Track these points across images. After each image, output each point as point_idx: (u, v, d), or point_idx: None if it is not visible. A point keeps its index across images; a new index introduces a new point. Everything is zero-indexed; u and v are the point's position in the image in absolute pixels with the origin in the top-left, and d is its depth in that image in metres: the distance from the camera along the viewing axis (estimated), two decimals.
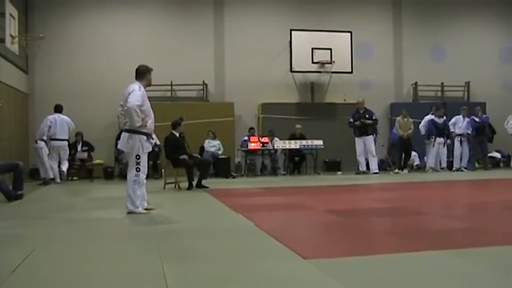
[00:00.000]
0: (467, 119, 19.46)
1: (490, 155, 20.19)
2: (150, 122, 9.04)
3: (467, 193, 12.68)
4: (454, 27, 22.78)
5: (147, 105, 9.05)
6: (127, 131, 8.96)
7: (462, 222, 7.81)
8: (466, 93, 22.58)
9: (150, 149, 9.19)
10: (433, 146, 19.07)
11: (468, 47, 22.58)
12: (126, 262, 5.37)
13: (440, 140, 19.12)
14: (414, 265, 5.03)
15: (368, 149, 18.45)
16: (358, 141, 18.45)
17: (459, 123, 19.43)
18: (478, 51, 22.57)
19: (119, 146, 9.43)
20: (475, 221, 7.99)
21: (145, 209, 9.07)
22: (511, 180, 15.30)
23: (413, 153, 19.78)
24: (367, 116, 18.51)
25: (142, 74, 9.32)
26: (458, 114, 19.60)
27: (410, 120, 18.93)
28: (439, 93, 22.39)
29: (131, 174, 8.94)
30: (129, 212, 8.88)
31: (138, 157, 8.90)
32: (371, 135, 18.55)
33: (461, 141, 19.45)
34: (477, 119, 19.60)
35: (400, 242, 6.27)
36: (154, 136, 9.35)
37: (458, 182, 15.12)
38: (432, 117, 19.23)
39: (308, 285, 4.46)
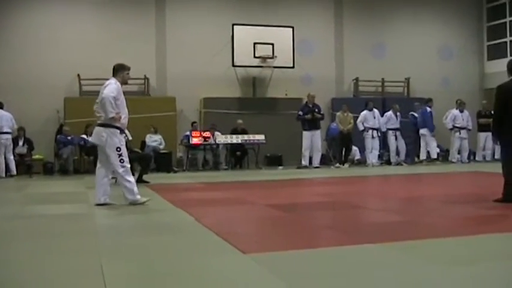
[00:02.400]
0: (399, 114, 19.73)
1: (428, 149, 20.49)
2: (124, 118, 9.07)
3: (405, 187, 12.87)
4: (394, 24, 23.12)
5: (122, 100, 9.09)
6: (101, 125, 9.05)
7: (400, 216, 7.94)
8: (405, 89, 22.94)
9: (124, 143, 9.16)
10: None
11: (408, 44, 22.94)
12: (64, 259, 5.29)
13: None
14: (353, 258, 5.09)
15: (314, 143, 18.57)
16: (307, 135, 18.52)
17: (392, 120, 19.69)
18: (417, 48, 22.95)
19: (91, 139, 9.53)
20: (412, 214, 8.13)
21: (101, 204, 9.14)
22: (448, 174, 15.60)
23: (354, 147, 19.99)
24: (316, 110, 18.63)
25: (116, 71, 9.39)
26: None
27: (351, 115, 19.13)
28: (380, 89, 22.69)
29: (117, 167, 8.98)
30: (131, 203, 8.99)
31: (118, 149, 8.96)
32: (319, 130, 18.70)
33: (396, 137, 19.73)
34: (416, 115, 19.90)
35: (339, 236, 6.34)
36: (127, 132, 9.31)
37: (398, 176, 15.34)
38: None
39: (246, 280, 4.48)
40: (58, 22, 19.63)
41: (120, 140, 9.01)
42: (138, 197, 9.08)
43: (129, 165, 9.09)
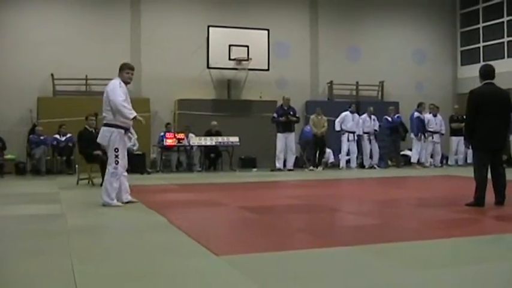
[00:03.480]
0: (373, 117, 19.85)
1: (402, 153, 20.63)
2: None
3: (379, 190, 12.93)
4: (369, 28, 23.21)
5: (128, 100, 9.20)
6: (106, 125, 9.17)
7: (373, 219, 7.98)
8: (380, 92, 23.04)
9: (129, 144, 9.22)
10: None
11: (383, 48, 23.05)
12: (35, 260, 5.25)
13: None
14: (325, 261, 5.11)
15: (288, 146, 18.59)
16: (281, 138, 18.50)
17: (366, 123, 19.77)
18: (392, 52, 23.08)
19: (98, 140, 9.54)
20: (385, 217, 8.17)
21: (128, 202, 9.29)
22: (421, 178, 15.70)
23: (328, 150, 20.04)
24: (291, 112, 18.64)
25: (119, 70, 9.49)
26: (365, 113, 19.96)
27: (324, 118, 19.16)
28: (354, 92, 22.76)
29: (110, 166, 9.10)
30: (104, 204, 9.01)
31: (116, 150, 9.08)
32: (293, 133, 18.73)
33: (370, 140, 19.83)
34: (390, 119, 20.02)
35: (313, 239, 6.35)
36: (132, 131, 9.32)
37: (371, 180, 15.41)
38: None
39: (219, 282, 4.48)
40: (32, 21, 19.43)
41: (123, 141, 9.12)
42: (114, 201, 9.09)
43: (121, 170, 9.16)
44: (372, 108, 19.86)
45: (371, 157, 19.89)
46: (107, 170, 9.20)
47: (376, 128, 19.89)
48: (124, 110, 8.94)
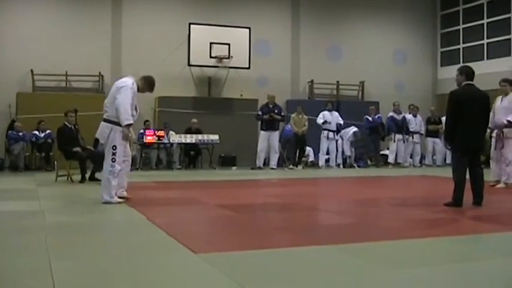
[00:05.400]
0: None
1: (382, 152, 20.73)
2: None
3: (358, 190, 12.96)
4: (351, 28, 23.28)
5: (135, 103, 9.15)
6: (105, 120, 9.13)
7: (352, 218, 8.01)
8: (360, 92, 23.12)
9: (127, 142, 9.22)
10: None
11: (364, 48, 23.13)
12: (12, 257, 5.22)
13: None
14: (304, 259, 5.13)
15: (272, 144, 18.56)
16: (264, 136, 18.44)
17: (351, 136, 19.84)
18: (373, 52, 23.16)
19: (96, 135, 9.56)
20: (364, 216, 8.21)
21: (122, 197, 9.17)
22: (400, 178, 15.77)
23: (309, 149, 20.08)
24: (276, 111, 18.63)
25: (144, 79, 9.51)
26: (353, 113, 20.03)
27: (305, 117, 19.17)
28: (335, 92, 22.81)
29: (107, 164, 9.00)
30: (105, 202, 8.91)
31: (114, 147, 8.98)
32: (277, 131, 18.72)
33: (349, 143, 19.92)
34: (370, 118, 20.10)
35: (292, 237, 6.37)
36: (131, 130, 9.22)
37: (350, 179, 15.47)
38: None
39: (197, 280, 4.48)
40: (11, 17, 19.28)
41: (119, 139, 9.01)
42: (114, 198, 9.01)
43: (119, 168, 9.05)
44: (359, 134, 19.91)
45: (349, 156, 19.99)
46: (104, 168, 9.09)
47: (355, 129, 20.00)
48: (123, 114, 8.81)
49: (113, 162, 8.97)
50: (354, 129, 19.99)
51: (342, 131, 19.83)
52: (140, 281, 4.43)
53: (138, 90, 9.34)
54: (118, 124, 8.96)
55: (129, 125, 8.94)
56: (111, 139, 9.00)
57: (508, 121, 11.53)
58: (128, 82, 9.11)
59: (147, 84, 9.50)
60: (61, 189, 12.03)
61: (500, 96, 11.86)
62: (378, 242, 5.97)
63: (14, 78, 18.86)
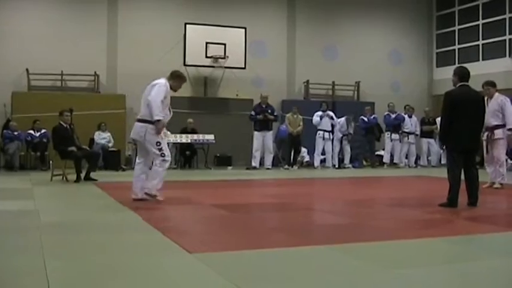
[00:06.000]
0: (352, 124, 19.95)
1: (377, 153, 20.75)
2: (164, 117, 9.15)
3: (353, 190, 12.98)
4: (346, 28, 23.28)
5: (167, 103, 9.21)
6: (139, 120, 9.20)
7: (347, 218, 8.02)
8: (355, 92, 23.14)
9: (163, 138, 9.32)
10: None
11: (360, 48, 23.14)
12: (6, 256, 5.21)
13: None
14: (300, 259, 5.13)
15: (266, 144, 18.56)
16: (258, 136, 18.45)
17: (343, 128, 19.76)
18: (369, 52, 23.17)
19: (131, 135, 9.60)
20: (359, 217, 8.21)
21: (138, 199, 9.27)
22: (395, 178, 15.79)
23: (304, 149, 20.08)
24: (269, 111, 18.62)
25: (173, 77, 9.53)
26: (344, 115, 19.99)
27: (300, 117, 19.17)
28: (330, 92, 22.81)
29: (157, 161, 9.11)
30: (147, 193, 9.12)
31: (158, 143, 9.09)
32: (271, 131, 18.71)
33: (341, 140, 19.86)
34: (366, 119, 20.11)
35: (287, 237, 6.37)
36: (165, 129, 9.26)
37: (346, 179, 15.47)
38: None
39: (192, 280, 4.47)
40: (6, 16, 19.25)
41: (159, 135, 9.12)
42: (158, 193, 9.17)
43: (169, 160, 9.27)
44: (352, 117, 19.86)
45: (343, 158, 19.97)
46: (153, 166, 9.17)
47: (351, 131, 19.93)
48: (155, 109, 8.86)
49: (163, 156, 9.09)
50: (344, 117, 19.87)
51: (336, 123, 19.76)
52: (135, 281, 4.42)
53: (171, 89, 9.38)
54: (151, 123, 9.04)
55: (158, 121, 8.96)
56: (150, 138, 9.07)
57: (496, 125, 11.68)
58: (161, 81, 9.21)
59: (174, 77, 9.53)
60: (56, 188, 12.01)
61: (486, 98, 11.87)
62: (374, 242, 5.97)
63: (9, 77, 18.82)
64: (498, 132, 11.71)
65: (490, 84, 11.92)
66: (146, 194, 9.10)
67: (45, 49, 19.10)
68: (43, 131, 17.42)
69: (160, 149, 9.08)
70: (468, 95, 8.70)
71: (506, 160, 12.83)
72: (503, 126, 11.66)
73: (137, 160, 9.59)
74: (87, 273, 4.61)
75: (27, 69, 18.92)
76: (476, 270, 4.85)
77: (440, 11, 24.57)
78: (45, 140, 17.31)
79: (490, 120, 11.55)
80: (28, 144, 17.61)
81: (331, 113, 19.55)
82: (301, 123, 19.06)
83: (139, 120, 9.22)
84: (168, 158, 9.20)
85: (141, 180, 9.35)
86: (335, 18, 23.07)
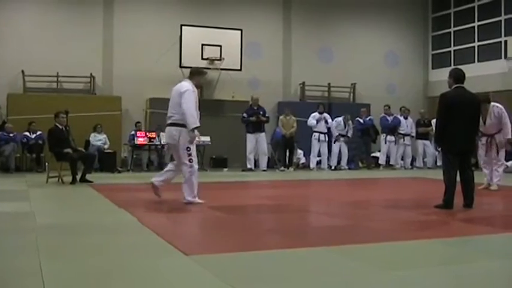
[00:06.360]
0: (350, 123, 19.95)
1: (373, 155, 20.78)
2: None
3: (349, 191, 12.99)
4: (342, 30, 23.32)
5: (197, 105, 9.28)
6: (172, 124, 9.26)
7: (343, 220, 8.01)
8: (351, 94, 23.18)
9: (198, 140, 9.68)
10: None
11: (355, 50, 23.19)
12: (2, 258, 5.20)
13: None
14: (296, 261, 5.13)
15: (260, 146, 18.54)
16: (251, 138, 18.43)
17: (339, 127, 19.77)
18: (364, 54, 23.22)
19: (166, 140, 9.81)
20: (355, 218, 8.21)
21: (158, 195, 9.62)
22: (390, 180, 15.81)
23: (300, 151, 20.09)
24: (261, 112, 18.62)
25: (193, 75, 9.66)
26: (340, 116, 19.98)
27: (294, 118, 19.16)
28: (326, 94, 22.84)
29: (185, 166, 9.17)
30: (188, 203, 9.16)
31: (188, 149, 9.17)
32: (263, 133, 18.69)
33: (336, 140, 19.88)
34: (362, 121, 20.14)
35: (283, 239, 6.37)
36: (196, 132, 9.29)
37: (342, 181, 15.48)
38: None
39: (188, 281, 4.47)
40: (3, 17, 19.24)
41: (191, 139, 9.17)
42: (196, 199, 9.26)
43: (197, 166, 9.33)
44: (349, 116, 19.86)
45: (340, 159, 19.96)
46: (183, 170, 9.24)
47: (350, 134, 19.93)
48: (190, 119, 8.97)
49: (191, 162, 9.17)
50: (342, 116, 19.88)
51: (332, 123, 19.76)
52: (131, 282, 4.42)
53: (196, 87, 9.48)
54: (185, 126, 9.11)
55: (195, 128, 9.06)
56: (182, 142, 9.14)
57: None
58: (188, 86, 9.26)
59: (194, 75, 9.66)
60: (52, 190, 12.00)
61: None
62: (370, 243, 5.97)
63: (4, 79, 18.82)
64: (499, 136, 11.81)
65: (485, 101, 11.78)
66: (187, 203, 9.18)
67: (41, 51, 19.09)
68: (39, 132, 17.40)
69: (189, 154, 9.16)
70: (463, 97, 8.71)
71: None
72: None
73: (169, 165, 9.94)
74: (83, 275, 4.60)
75: (22, 71, 18.90)
76: (472, 272, 4.85)
77: (436, 13, 24.63)
78: (40, 141, 17.30)
79: (490, 129, 11.69)
80: (24, 146, 17.59)
81: (327, 116, 19.58)
82: (294, 125, 19.06)
83: (173, 124, 9.28)
84: (196, 164, 9.29)
85: (168, 172, 9.67)
86: (331, 20, 23.11)
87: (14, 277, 4.52)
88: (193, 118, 8.99)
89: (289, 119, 19.12)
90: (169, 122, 9.37)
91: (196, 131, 9.17)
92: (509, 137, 11.69)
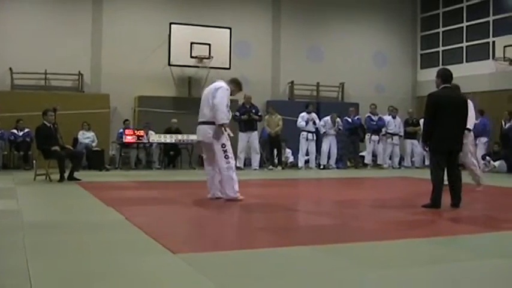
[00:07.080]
0: (338, 121, 19.96)
1: (360, 154, 20.80)
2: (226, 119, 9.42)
3: (337, 191, 13.01)
4: (331, 30, 23.36)
5: (229, 106, 9.43)
6: (205, 123, 9.41)
7: (331, 219, 8.02)
8: (340, 93, 23.21)
9: (231, 135, 9.59)
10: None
11: (344, 49, 23.24)
12: None
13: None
14: (284, 260, 5.12)
15: (252, 145, 18.50)
16: (243, 137, 18.35)
17: (328, 125, 19.78)
18: (353, 53, 23.29)
19: (199, 138, 9.79)
20: (343, 217, 8.22)
21: (217, 198, 9.56)
22: (378, 179, 15.84)
23: (288, 150, 20.10)
24: (253, 111, 18.60)
25: (233, 80, 9.95)
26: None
27: (279, 116, 19.14)
28: (315, 93, 22.88)
29: (222, 163, 9.29)
30: (229, 199, 9.25)
31: (223, 146, 9.30)
32: (256, 131, 18.67)
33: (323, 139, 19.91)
34: (350, 120, 20.17)
35: (271, 238, 6.37)
36: (228, 130, 9.31)
37: (330, 180, 15.51)
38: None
39: (175, 280, 4.46)
40: None
41: (224, 137, 9.30)
42: (238, 194, 9.35)
43: (233, 162, 9.47)
44: (335, 114, 19.84)
45: (329, 158, 19.96)
46: (221, 166, 9.30)
47: (340, 127, 19.91)
48: (221, 114, 9.13)
49: (227, 158, 9.29)
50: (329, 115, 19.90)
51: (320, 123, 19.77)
52: (118, 281, 4.40)
53: (230, 93, 9.59)
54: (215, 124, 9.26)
55: (222, 124, 9.18)
56: (217, 139, 9.28)
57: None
58: (223, 84, 9.43)
59: (235, 85, 9.87)
60: (39, 188, 11.95)
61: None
62: (358, 243, 5.98)
63: None
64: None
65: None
66: (229, 200, 9.26)
67: (28, 48, 19.01)
68: (26, 130, 17.34)
69: (225, 151, 9.27)
70: (451, 96, 8.75)
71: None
72: None
73: (207, 166, 9.81)
74: (70, 273, 4.58)
75: (10, 68, 18.81)
76: (460, 271, 4.86)
77: (424, 13, 24.71)
78: (28, 139, 17.23)
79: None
80: (11, 143, 17.52)
81: (315, 117, 19.59)
82: (280, 123, 19.03)
83: (205, 123, 9.42)
84: (233, 160, 9.40)
85: (216, 179, 9.61)
86: (320, 19, 23.13)
87: (1, 275, 4.49)
88: (223, 114, 9.15)
89: (275, 117, 19.10)
90: (201, 120, 9.53)
91: (228, 128, 9.30)
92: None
